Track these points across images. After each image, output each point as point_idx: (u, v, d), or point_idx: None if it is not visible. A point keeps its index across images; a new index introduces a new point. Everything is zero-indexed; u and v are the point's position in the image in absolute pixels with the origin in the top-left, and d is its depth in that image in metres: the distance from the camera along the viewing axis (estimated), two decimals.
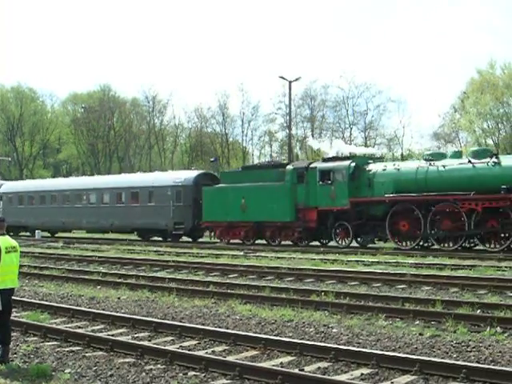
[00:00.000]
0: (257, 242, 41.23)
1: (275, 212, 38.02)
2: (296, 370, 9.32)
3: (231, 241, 41.28)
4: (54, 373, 9.64)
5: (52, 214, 54.36)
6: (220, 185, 41.88)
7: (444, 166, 32.44)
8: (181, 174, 48.63)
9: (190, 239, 46.69)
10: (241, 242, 40.56)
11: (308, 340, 11.45)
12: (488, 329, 12.27)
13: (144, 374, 9.52)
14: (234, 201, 39.77)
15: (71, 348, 11.23)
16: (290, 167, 38.84)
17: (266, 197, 38.43)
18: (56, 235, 58.01)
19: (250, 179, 39.64)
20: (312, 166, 37.83)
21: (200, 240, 45.66)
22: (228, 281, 20.72)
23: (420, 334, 12.03)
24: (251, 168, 43.70)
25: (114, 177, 58.35)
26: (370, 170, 35.37)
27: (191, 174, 47.36)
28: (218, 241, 42.37)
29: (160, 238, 47.65)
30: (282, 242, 39.70)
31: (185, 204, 44.40)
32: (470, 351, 10.63)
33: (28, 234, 57.16)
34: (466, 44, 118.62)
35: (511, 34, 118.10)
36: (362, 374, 9.31)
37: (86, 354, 10.75)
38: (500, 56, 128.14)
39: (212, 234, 43.24)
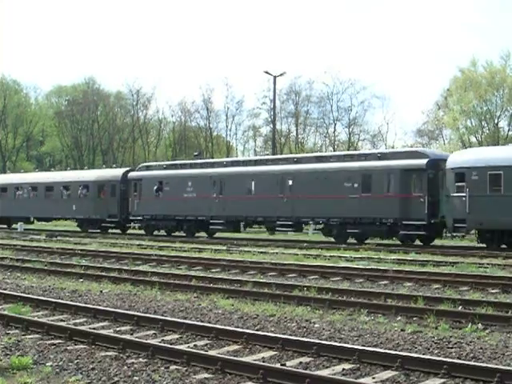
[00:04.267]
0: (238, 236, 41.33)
1: None
2: (278, 365, 9.32)
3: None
4: (35, 366, 9.60)
5: None
6: None
7: None
8: None
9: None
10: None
11: (290, 335, 11.45)
12: (469, 325, 12.32)
13: (126, 367, 9.49)
14: None
15: (53, 341, 11.18)
16: None
17: None
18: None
19: None
20: None
21: (179, 234, 45.59)
22: (211, 275, 20.71)
23: (402, 330, 12.07)
24: None
25: None
26: None
27: None
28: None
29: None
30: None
31: None
32: (452, 347, 10.67)
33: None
34: (450, 42, 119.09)
35: (493, 32, 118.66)
36: (343, 369, 9.32)
37: (68, 347, 10.71)
38: (482, 54, 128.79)
39: None
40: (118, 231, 50.09)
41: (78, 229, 52.72)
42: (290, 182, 39.35)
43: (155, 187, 46.21)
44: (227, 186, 42.28)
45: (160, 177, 46.86)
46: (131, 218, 47.92)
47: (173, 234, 46.22)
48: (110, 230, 50.15)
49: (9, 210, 57.25)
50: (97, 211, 49.56)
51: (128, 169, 51.82)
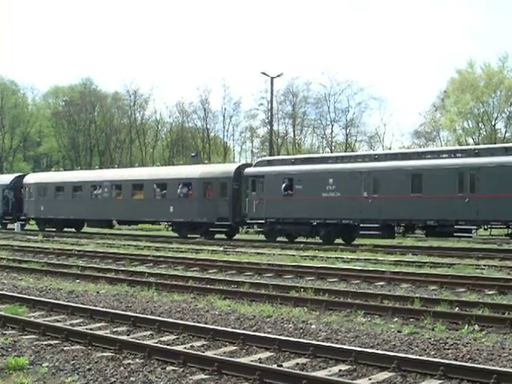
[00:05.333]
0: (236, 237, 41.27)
1: None
2: (274, 366, 9.31)
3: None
4: (31, 366, 9.59)
5: None
6: None
7: None
8: None
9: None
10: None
11: (287, 336, 11.45)
12: (466, 327, 12.32)
13: (122, 368, 9.49)
14: None
15: (49, 341, 11.17)
16: None
17: None
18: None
19: None
20: None
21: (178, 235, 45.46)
22: (207, 276, 20.68)
23: (398, 331, 12.08)
24: None
25: None
26: None
27: None
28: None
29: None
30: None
31: None
32: (448, 349, 10.68)
33: None
34: (447, 44, 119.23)
35: (490, 35, 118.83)
36: (340, 371, 9.33)
37: (64, 348, 10.70)
38: (479, 56, 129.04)
39: None
40: (221, 236, 43.66)
41: (175, 234, 45.35)
42: (472, 179, 32.26)
43: (284, 185, 38.46)
44: (384, 184, 34.83)
45: (290, 173, 38.74)
46: (248, 221, 40.57)
47: (295, 240, 39.45)
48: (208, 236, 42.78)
49: (83, 211, 50.04)
50: (202, 214, 42.12)
51: (241, 164, 44.98)
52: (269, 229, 39.44)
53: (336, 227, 36.96)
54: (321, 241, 37.21)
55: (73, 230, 53.74)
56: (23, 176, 58.43)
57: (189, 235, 43.05)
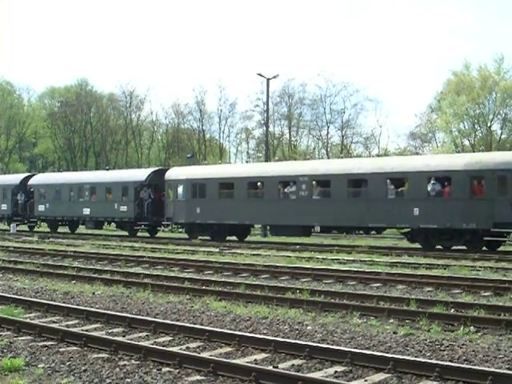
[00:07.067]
0: (230, 238, 41.22)
1: None
2: (270, 367, 9.33)
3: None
4: (27, 367, 9.58)
5: None
6: None
7: None
8: None
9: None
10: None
11: (282, 337, 11.46)
12: (462, 328, 12.33)
13: (118, 369, 9.48)
14: None
15: (45, 343, 11.16)
16: None
17: None
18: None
19: None
20: None
21: (175, 236, 45.37)
22: (203, 277, 20.67)
23: (394, 333, 12.08)
24: None
25: None
26: None
27: None
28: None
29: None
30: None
31: None
32: (444, 350, 10.69)
33: None
34: (443, 45, 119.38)
35: (486, 37, 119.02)
36: (335, 372, 9.33)
37: (60, 349, 10.69)
38: (475, 58, 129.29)
39: None
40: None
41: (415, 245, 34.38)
42: None
43: None
44: None
45: None
46: None
47: None
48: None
49: (266, 215, 38.68)
50: (469, 218, 31.24)
51: None
52: None
53: None
54: None
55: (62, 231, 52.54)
56: (162, 170, 47.38)
57: (440, 245, 33.17)
